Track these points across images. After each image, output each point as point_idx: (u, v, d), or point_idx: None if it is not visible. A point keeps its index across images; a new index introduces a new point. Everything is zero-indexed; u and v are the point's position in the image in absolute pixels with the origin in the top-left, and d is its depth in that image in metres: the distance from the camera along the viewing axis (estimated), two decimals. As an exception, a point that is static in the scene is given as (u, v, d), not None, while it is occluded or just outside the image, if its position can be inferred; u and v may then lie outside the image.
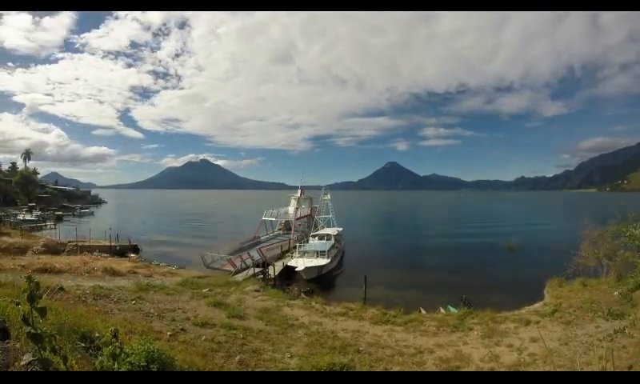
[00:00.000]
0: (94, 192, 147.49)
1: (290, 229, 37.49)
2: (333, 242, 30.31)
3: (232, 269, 23.59)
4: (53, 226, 49.15)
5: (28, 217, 54.63)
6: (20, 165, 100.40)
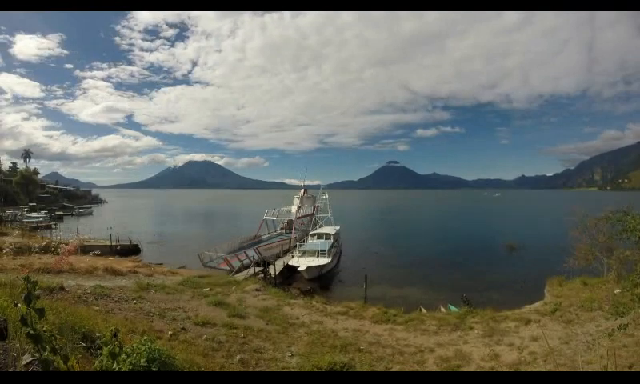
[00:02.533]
0: (94, 192, 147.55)
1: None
2: (332, 240, 30.39)
3: (228, 268, 23.60)
4: (54, 226, 49.45)
5: (29, 216, 55.02)
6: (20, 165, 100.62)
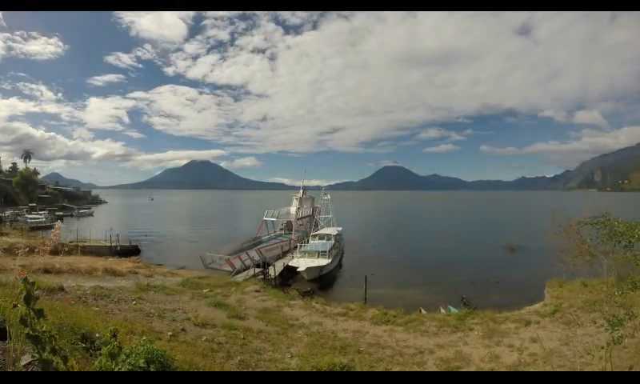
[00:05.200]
0: (94, 192, 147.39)
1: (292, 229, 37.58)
2: (333, 241, 30.32)
3: (230, 269, 23.60)
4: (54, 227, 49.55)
5: (31, 216, 55.23)
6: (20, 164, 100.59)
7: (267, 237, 37.92)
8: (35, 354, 1.70)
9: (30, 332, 1.65)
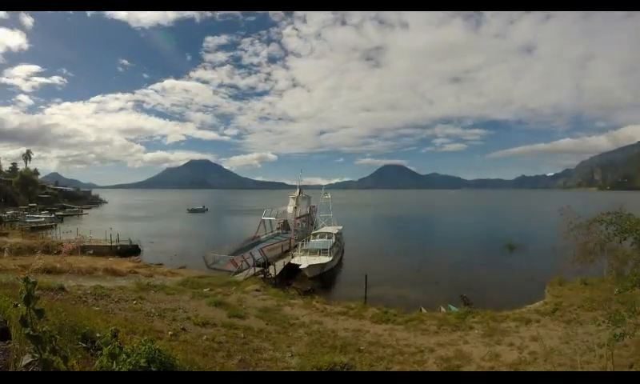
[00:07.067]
0: (94, 192, 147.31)
1: (289, 228, 37.62)
2: (334, 240, 30.40)
3: (234, 269, 23.66)
4: (55, 227, 49.63)
5: (32, 216, 55.39)
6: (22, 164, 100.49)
7: (265, 236, 37.97)
8: (36, 354, 1.70)
9: (31, 332, 1.65)
